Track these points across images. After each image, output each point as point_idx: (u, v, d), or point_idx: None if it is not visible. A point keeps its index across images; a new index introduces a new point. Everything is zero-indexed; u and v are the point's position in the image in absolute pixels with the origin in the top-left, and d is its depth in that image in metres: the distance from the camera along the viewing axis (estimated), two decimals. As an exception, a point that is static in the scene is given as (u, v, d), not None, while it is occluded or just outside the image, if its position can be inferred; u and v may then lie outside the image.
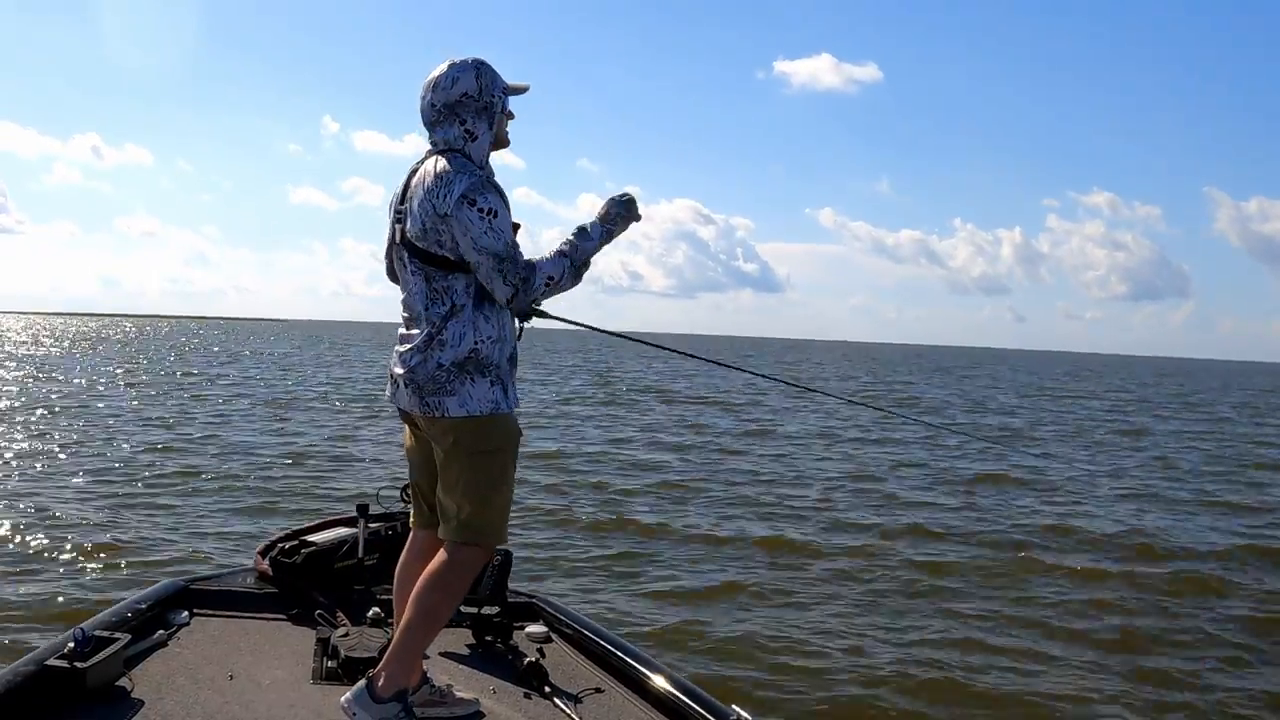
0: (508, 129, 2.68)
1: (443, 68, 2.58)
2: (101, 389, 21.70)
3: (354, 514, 3.83)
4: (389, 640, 2.80)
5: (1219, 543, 9.38)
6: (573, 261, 2.60)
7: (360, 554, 3.74)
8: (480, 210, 2.46)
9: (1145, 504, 11.60)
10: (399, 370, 2.63)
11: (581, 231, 2.64)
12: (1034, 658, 5.87)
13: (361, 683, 2.59)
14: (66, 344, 52.59)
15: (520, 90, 2.66)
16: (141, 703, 2.75)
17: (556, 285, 2.58)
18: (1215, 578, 7.97)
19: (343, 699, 2.58)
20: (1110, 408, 31.34)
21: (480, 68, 2.58)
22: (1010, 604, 6.94)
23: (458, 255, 2.51)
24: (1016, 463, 14.27)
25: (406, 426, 2.81)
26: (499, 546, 3.56)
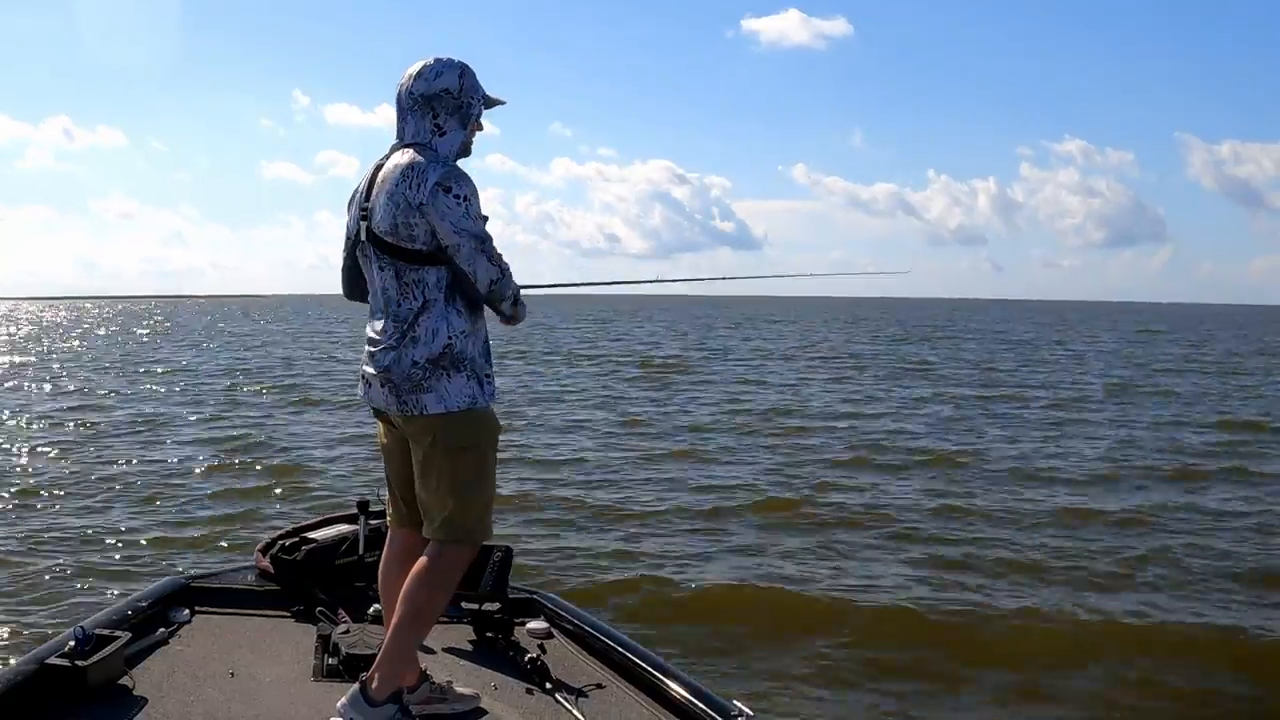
0: (474, 139, 2.70)
1: (429, 60, 2.62)
2: (94, 381, 21.68)
3: (354, 511, 3.83)
4: None
5: None
6: (515, 298, 2.70)
7: (361, 551, 3.74)
8: (456, 196, 2.51)
9: None
10: (371, 370, 2.64)
11: None
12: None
13: (355, 687, 2.59)
14: (52, 331, 52.35)
15: (498, 103, 2.70)
16: (143, 701, 2.75)
17: (514, 303, 2.70)
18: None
19: (338, 704, 2.58)
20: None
21: (465, 70, 2.63)
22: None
23: (431, 246, 2.53)
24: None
25: (381, 424, 2.81)
26: (501, 544, 3.55)
